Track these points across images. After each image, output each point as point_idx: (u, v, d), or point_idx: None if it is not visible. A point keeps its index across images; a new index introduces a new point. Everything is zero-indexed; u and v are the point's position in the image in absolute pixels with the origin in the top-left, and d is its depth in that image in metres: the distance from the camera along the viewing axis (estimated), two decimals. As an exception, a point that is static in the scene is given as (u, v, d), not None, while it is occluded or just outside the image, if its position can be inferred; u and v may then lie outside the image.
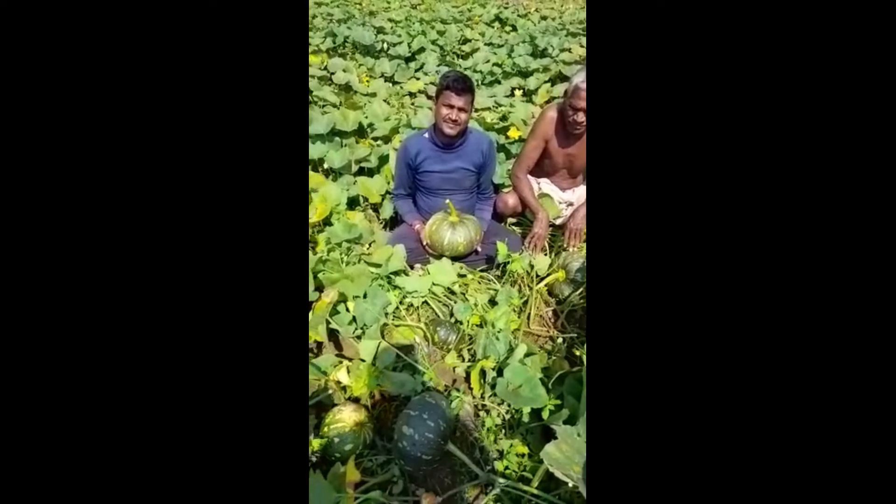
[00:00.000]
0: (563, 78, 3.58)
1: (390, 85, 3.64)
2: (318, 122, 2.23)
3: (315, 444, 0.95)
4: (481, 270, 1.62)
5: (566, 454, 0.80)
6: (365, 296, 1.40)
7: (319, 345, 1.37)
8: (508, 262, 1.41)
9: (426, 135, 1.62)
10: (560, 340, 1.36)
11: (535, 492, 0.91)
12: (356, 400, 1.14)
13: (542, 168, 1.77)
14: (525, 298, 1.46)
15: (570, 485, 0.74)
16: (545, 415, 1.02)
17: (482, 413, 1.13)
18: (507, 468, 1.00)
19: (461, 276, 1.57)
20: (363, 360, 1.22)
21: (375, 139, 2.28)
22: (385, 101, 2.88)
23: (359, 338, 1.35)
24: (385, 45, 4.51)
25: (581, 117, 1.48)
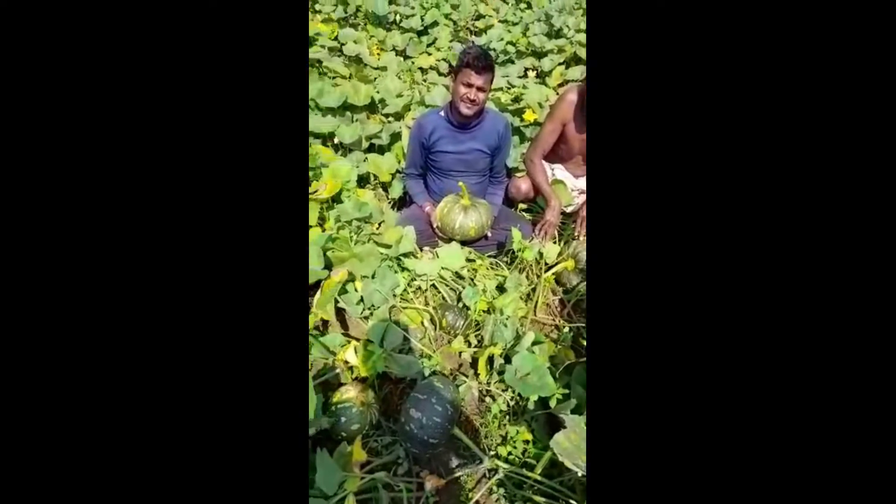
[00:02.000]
0: (577, 60, 3.47)
1: (401, 59, 3.53)
2: (330, 96, 2.16)
3: (324, 421, 0.95)
4: (490, 256, 1.60)
5: (574, 443, 0.81)
6: (373, 276, 1.38)
7: (326, 323, 1.37)
8: (522, 250, 1.40)
9: (441, 113, 1.58)
10: (566, 330, 1.36)
11: (538, 478, 0.92)
12: (363, 380, 1.14)
13: (556, 153, 1.72)
14: (533, 286, 1.45)
15: (579, 474, 0.75)
16: (552, 403, 1.02)
17: (487, 399, 1.14)
18: (510, 454, 1.01)
19: (470, 260, 1.56)
20: (370, 342, 1.22)
21: (387, 115, 2.22)
22: (397, 76, 2.79)
23: (366, 318, 1.34)
24: (398, 17, 4.35)
25: None
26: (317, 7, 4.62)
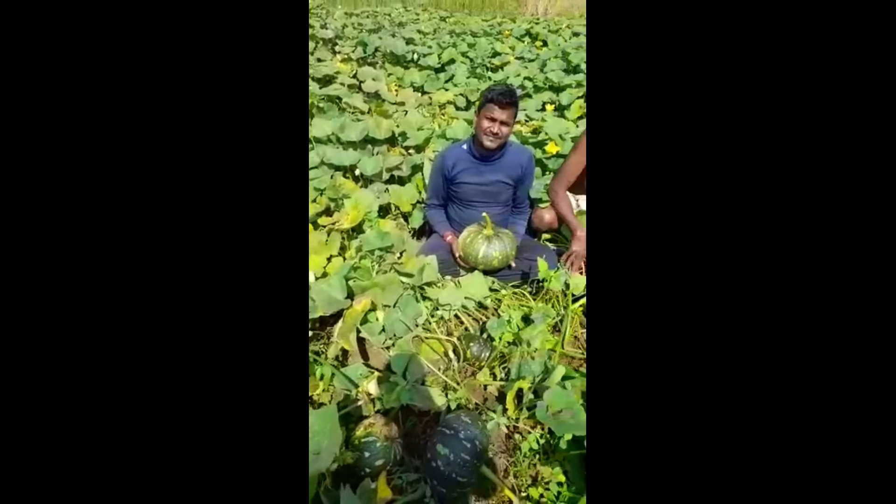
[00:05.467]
0: (594, 94, 3.53)
1: (419, 95, 3.67)
2: (352, 130, 2.25)
3: (347, 456, 0.92)
4: (514, 286, 1.58)
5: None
6: (396, 306, 1.38)
7: (346, 353, 1.35)
8: (549, 280, 1.37)
9: (465, 146, 1.61)
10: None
11: (575, 526, 0.86)
12: (386, 413, 1.10)
13: (581, 185, 1.73)
14: (560, 317, 1.42)
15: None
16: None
17: (516, 436, 1.09)
18: (542, 496, 0.95)
19: (494, 290, 1.54)
20: (393, 373, 1.19)
21: (407, 148, 2.28)
22: (416, 109, 2.90)
23: (388, 348, 1.32)
24: (416, 56, 4.57)
25: None
26: (336, 49, 4.90)
